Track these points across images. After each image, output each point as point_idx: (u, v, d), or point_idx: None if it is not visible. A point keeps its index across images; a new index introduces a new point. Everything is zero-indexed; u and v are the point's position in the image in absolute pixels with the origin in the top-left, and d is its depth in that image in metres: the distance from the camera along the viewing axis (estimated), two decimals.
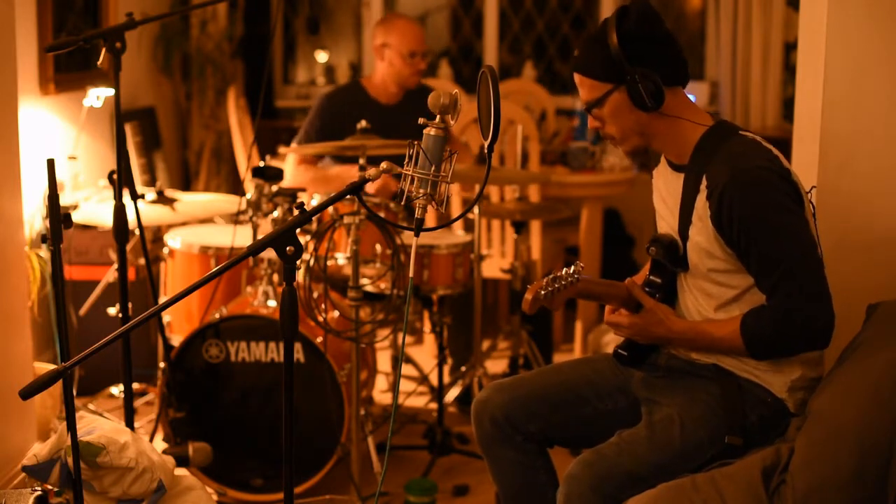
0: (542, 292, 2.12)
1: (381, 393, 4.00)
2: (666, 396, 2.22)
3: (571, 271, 2.15)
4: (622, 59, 2.09)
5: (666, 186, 2.26)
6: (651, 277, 2.26)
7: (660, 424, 2.16)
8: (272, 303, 3.15)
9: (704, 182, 2.10)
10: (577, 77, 2.19)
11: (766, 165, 2.07)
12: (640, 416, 2.24)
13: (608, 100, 2.14)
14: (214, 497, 3.04)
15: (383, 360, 4.25)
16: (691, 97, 2.24)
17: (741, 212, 2.04)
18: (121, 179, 2.62)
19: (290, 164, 3.98)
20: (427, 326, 4.43)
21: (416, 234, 1.81)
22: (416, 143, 1.80)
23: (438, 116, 1.81)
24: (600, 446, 2.16)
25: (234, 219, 3.32)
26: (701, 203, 2.11)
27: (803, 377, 2.15)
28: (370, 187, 3.70)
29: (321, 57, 6.24)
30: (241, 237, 3.30)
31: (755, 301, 2.13)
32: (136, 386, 3.67)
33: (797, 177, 2.12)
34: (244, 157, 4.86)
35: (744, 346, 2.11)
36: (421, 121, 1.81)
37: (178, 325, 3.49)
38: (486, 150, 1.84)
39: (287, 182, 3.73)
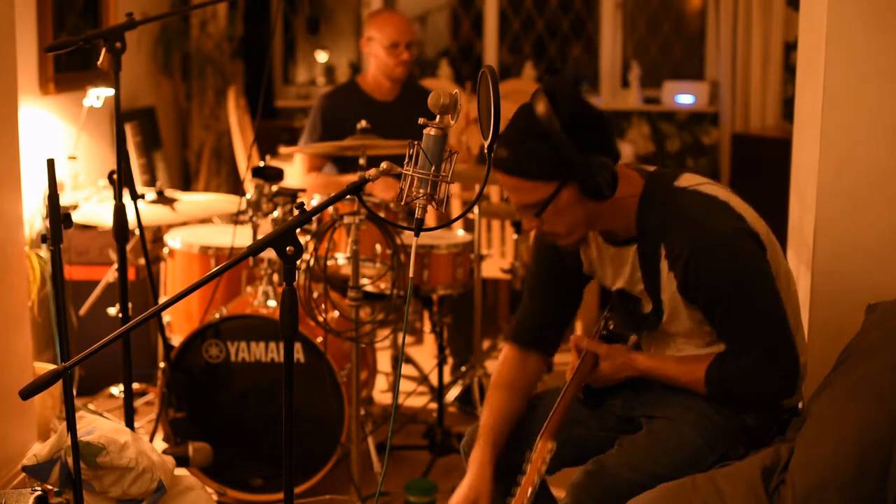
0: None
1: (381, 393, 4.00)
2: (659, 408, 2.18)
3: (545, 466, 2.03)
4: (573, 153, 1.89)
5: (611, 262, 2.14)
6: (612, 331, 2.21)
7: (659, 433, 2.14)
8: (272, 303, 3.15)
9: (663, 251, 2.02)
10: (510, 181, 1.96)
11: (721, 229, 1.98)
12: (636, 424, 2.21)
13: (557, 198, 1.94)
14: (214, 497, 3.04)
15: (383, 360, 4.25)
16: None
17: (707, 283, 1.99)
18: (121, 179, 2.62)
19: (298, 168, 3.97)
20: (427, 326, 4.43)
21: (416, 234, 1.81)
22: (416, 143, 1.80)
23: (438, 116, 1.80)
24: (602, 456, 2.12)
25: (234, 219, 3.32)
26: (665, 272, 2.04)
27: None
28: (385, 193, 3.69)
29: (321, 57, 6.23)
30: (241, 237, 3.30)
31: None
32: (136, 386, 3.67)
33: (751, 216, 2.04)
34: (244, 157, 4.86)
35: (708, 396, 2.09)
36: (421, 121, 1.80)
37: (178, 325, 3.49)
38: (486, 150, 1.84)
39: (296, 185, 3.73)
